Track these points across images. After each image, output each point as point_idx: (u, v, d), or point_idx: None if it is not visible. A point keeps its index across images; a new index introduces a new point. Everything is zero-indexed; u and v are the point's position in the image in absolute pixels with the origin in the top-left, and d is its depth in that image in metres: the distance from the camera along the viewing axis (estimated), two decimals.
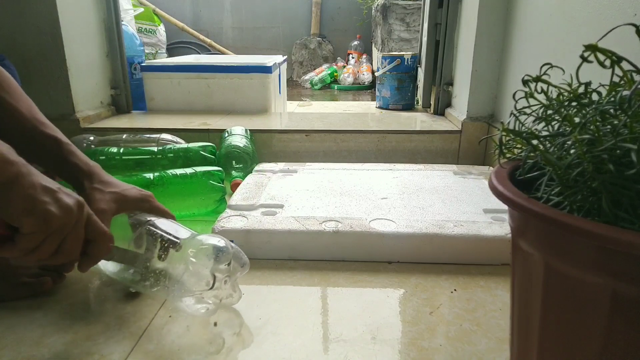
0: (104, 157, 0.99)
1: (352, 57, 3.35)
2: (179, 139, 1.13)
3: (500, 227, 0.71)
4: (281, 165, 1.03)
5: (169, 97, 1.49)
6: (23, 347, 0.51)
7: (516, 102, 0.37)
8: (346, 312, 0.58)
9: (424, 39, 1.46)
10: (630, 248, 0.28)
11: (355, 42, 3.45)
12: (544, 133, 0.37)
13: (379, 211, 0.77)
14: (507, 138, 0.38)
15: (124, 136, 1.12)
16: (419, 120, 1.37)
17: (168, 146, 1.04)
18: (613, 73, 0.33)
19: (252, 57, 1.95)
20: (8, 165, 0.42)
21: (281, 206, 0.80)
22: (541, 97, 0.38)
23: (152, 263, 0.56)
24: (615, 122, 0.32)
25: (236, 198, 0.82)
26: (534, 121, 0.38)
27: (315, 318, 0.57)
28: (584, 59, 0.31)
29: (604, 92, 0.35)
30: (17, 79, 0.95)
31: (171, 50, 3.29)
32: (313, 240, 0.70)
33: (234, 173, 1.01)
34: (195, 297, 0.53)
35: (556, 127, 0.37)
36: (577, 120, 0.34)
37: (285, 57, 1.88)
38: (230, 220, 0.74)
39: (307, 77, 3.20)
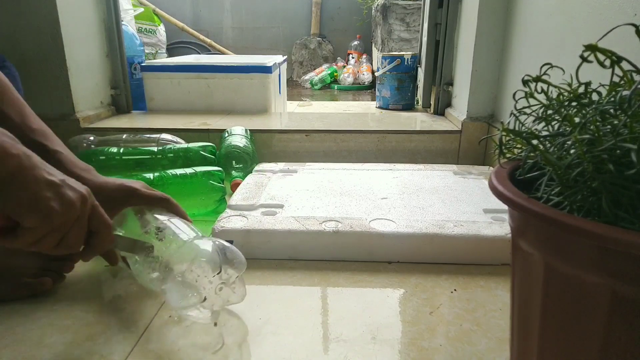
0: (104, 157, 0.99)
1: (352, 57, 3.35)
2: (179, 139, 1.13)
3: (500, 227, 0.71)
4: (281, 165, 1.03)
5: (169, 97, 1.49)
6: (23, 347, 0.51)
7: (516, 102, 0.37)
8: (346, 312, 0.58)
9: (424, 39, 1.46)
10: (630, 248, 0.28)
11: (355, 42, 3.45)
12: (544, 133, 0.37)
13: (379, 211, 0.77)
14: (507, 138, 0.38)
15: (124, 136, 1.12)
16: (419, 120, 1.37)
17: (168, 146, 1.04)
18: (613, 73, 0.33)
19: (252, 57, 1.95)
20: (10, 158, 0.41)
21: (281, 206, 0.80)
22: (541, 97, 0.38)
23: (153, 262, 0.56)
24: (615, 122, 0.32)
25: (236, 198, 0.82)
26: (534, 121, 0.38)
27: (315, 318, 0.57)
28: (584, 59, 0.31)
29: (604, 92, 0.35)
30: (17, 79, 0.95)
31: (171, 50, 3.29)
32: (313, 240, 0.70)
33: (234, 173, 1.02)
34: (188, 286, 0.52)
35: (556, 127, 0.37)
36: (577, 120, 0.34)
37: (285, 57, 1.88)
38: (230, 220, 0.74)
39: (307, 77, 3.20)
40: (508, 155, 0.40)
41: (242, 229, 0.71)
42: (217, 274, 0.52)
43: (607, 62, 0.32)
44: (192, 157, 1.01)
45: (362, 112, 1.60)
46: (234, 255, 0.55)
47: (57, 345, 0.52)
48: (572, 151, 0.33)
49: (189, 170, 0.88)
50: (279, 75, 1.68)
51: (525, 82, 0.37)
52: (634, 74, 0.33)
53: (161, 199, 0.62)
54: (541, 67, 0.37)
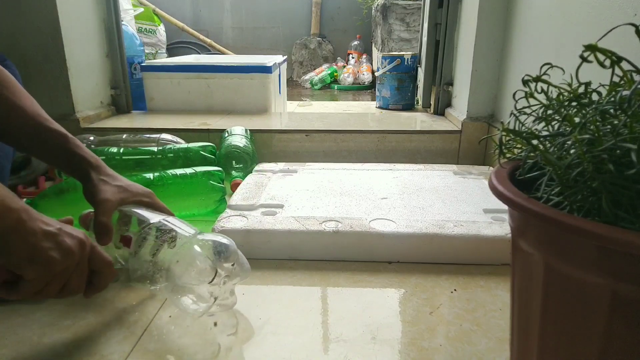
0: (104, 157, 0.99)
1: (352, 57, 3.35)
2: (179, 139, 1.13)
3: (500, 227, 0.71)
4: (281, 165, 1.03)
5: (169, 97, 1.49)
6: (23, 347, 0.51)
7: (516, 102, 0.37)
8: (346, 312, 0.58)
9: (424, 39, 1.46)
10: (630, 248, 0.28)
11: (355, 42, 3.45)
12: (544, 133, 0.37)
13: (379, 211, 0.77)
14: (507, 138, 0.38)
15: (124, 136, 1.12)
16: (419, 120, 1.37)
17: (168, 146, 1.04)
18: (613, 73, 0.33)
19: (252, 57, 1.95)
20: (8, 212, 0.41)
21: (281, 206, 0.80)
22: (541, 97, 0.38)
23: (158, 257, 0.56)
24: (615, 122, 0.32)
25: (236, 198, 0.82)
26: (534, 121, 0.38)
27: (315, 318, 0.57)
28: (584, 59, 0.31)
29: (604, 92, 0.35)
30: (18, 78, 0.95)
31: (171, 50, 3.29)
32: (313, 240, 0.70)
33: (234, 173, 1.02)
34: (192, 293, 0.53)
35: (556, 127, 0.37)
36: (577, 120, 0.34)
37: (285, 57, 1.88)
38: (230, 220, 0.74)
39: (307, 77, 3.20)
40: (508, 155, 0.40)
41: (242, 229, 0.71)
42: (232, 265, 0.54)
43: (607, 62, 0.32)
44: (192, 157, 1.01)
45: (362, 112, 1.60)
46: (243, 259, 0.57)
47: (57, 345, 0.52)
48: (572, 151, 0.33)
49: (188, 170, 0.88)
50: (279, 75, 1.68)
51: (525, 82, 0.37)
52: (634, 74, 0.33)
53: (144, 194, 0.63)
54: (541, 67, 0.37)
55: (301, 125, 1.29)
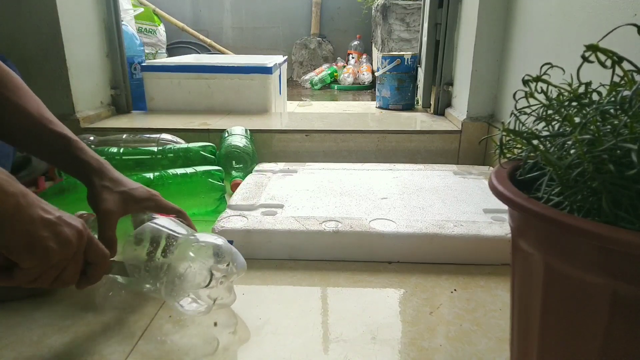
0: (104, 157, 0.99)
1: (352, 57, 3.35)
2: (179, 139, 1.13)
3: (500, 227, 0.71)
4: (281, 165, 1.03)
5: (169, 97, 1.49)
6: (23, 347, 0.51)
7: (516, 102, 0.37)
8: (346, 312, 0.58)
9: (424, 39, 1.46)
10: (630, 248, 0.28)
11: (355, 42, 3.45)
12: (544, 133, 0.37)
13: (379, 211, 0.77)
14: (508, 138, 0.38)
15: (124, 136, 1.12)
16: (419, 120, 1.37)
17: (168, 146, 1.04)
18: (614, 73, 0.33)
19: (252, 57, 1.95)
20: (6, 197, 0.40)
21: (281, 206, 0.80)
22: (541, 97, 0.38)
23: (152, 262, 0.56)
24: (616, 122, 0.32)
25: (236, 198, 0.82)
26: (534, 121, 0.38)
27: (315, 318, 0.57)
28: (585, 59, 0.31)
29: (604, 92, 0.35)
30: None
31: (171, 50, 3.29)
32: (313, 240, 0.70)
33: (234, 173, 1.01)
34: (190, 296, 0.53)
35: (556, 127, 0.37)
36: (577, 120, 0.34)
37: (285, 57, 1.87)
38: (230, 220, 0.74)
39: (307, 77, 3.20)
40: (508, 155, 0.40)
41: (242, 229, 0.71)
42: (227, 265, 0.54)
43: (608, 62, 0.32)
44: (192, 157, 1.01)
45: (362, 112, 1.60)
46: (238, 256, 0.56)
47: (57, 345, 0.52)
48: (572, 151, 0.33)
49: (189, 170, 0.88)
50: (279, 75, 1.68)
51: (525, 82, 0.37)
52: (634, 74, 0.33)
53: (176, 212, 0.62)
54: (541, 67, 0.37)
55: (301, 125, 1.29)
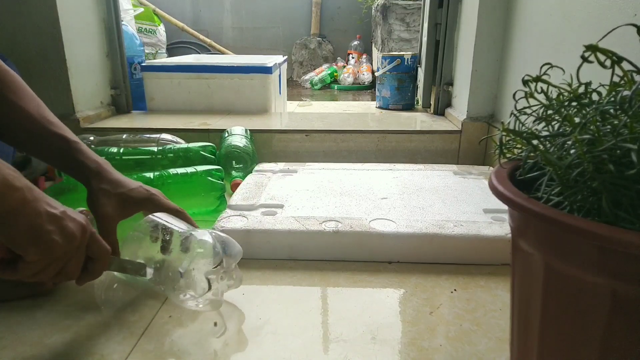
0: (103, 157, 0.99)
1: (352, 57, 3.35)
2: (179, 139, 1.13)
3: (500, 227, 0.71)
4: (281, 165, 1.03)
5: (169, 97, 1.49)
6: (23, 347, 0.51)
7: (516, 102, 0.37)
8: (346, 312, 0.58)
9: (424, 39, 1.46)
10: (630, 248, 0.28)
11: (355, 42, 3.45)
12: (544, 133, 0.37)
13: (379, 211, 0.77)
14: (507, 138, 0.38)
15: (124, 136, 1.12)
16: (419, 120, 1.37)
17: (168, 146, 1.04)
18: (613, 73, 0.33)
19: (252, 57, 1.95)
20: (13, 192, 0.41)
21: (281, 206, 0.80)
22: (541, 97, 0.38)
23: (153, 260, 0.57)
24: (616, 122, 0.32)
25: (236, 198, 0.82)
26: (534, 121, 0.38)
27: (315, 318, 0.57)
28: (585, 59, 0.31)
29: (604, 92, 0.35)
30: None
31: (171, 50, 3.28)
32: (313, 240, 0.70)
33: (234, 173, 1.01)
34: (190, 279, 0.54)
35: (556, 127, 0.37)
36: (577, 120, 0.34)
37: (285, 57, 1.87)
38: (230, 220, 0.74)
39: (307, 77, 3.20)
40: (508, 155, 0.40)
41: (242, 229, 0.71)
42: (219, 265, 0.54)
43: (608, 62, 0.32)
44: (192, 157, 1.01)
45: (362, 112, 1.60)
46: (229, 244, 0.57)
47: (57, 345, 0.52)
48: (572, 151, 0.33)
49: (189, 169, 0.88)
50: (279, 75, 1.68)
51: (525, 82, 0.37)
52: (634, 74, 0.33)
53: (176, 212, 0.62)
54: (541, 67, 0.37)
55: (301, 125, 1.29)
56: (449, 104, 1.40)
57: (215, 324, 0.55)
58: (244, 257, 0.70)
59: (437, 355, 0.50)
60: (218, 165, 1.01)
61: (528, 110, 0.38)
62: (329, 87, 3.11)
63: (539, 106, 0.38)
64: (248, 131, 1.17)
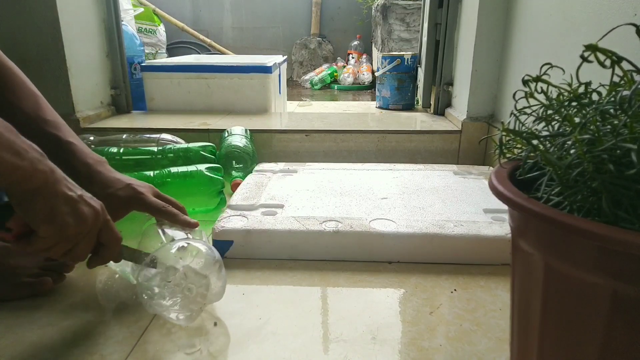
0: (103, 157, 0.99)
1: (352, 57, 3.35)
2: (179, 139, 1.13)
3: (500, 227, 0.71)
4: (281, 165, 1.03)
5: (169, 97, 1.49)
6: (23, 347, 0.51)
7: (516, 102, 0.37)
8: (346, 312, 0.58)
9: (424, 39, 1.46)
10: (630, 248, 0.28)
11: (355, 42, 3.45)
12: (544, 133, 0.37)
13: (379, 211, 0.77)
14: (507, 138, 0.38)
15: (124, 136, 1.12)
16: (419, 120, 1.37)
17: (168, 146, 1.04)
18: (613, 73, 0.33)
19: (252, 57, 1.95)
20: (38, 174, 0.44)
21: (281, 206, 0.80)
22: (541, 97, 0.38)
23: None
24: (616, 122, 0.32)
25: (236, 198, 0.82)
26: (534, 121, 0.38)
27: (315, 318, 0.57)
28: (584, 59, 0.31)
29: (604, 92, 0.35)
30: None
31: (171, 50, 3.29)
32: (313, 240, 0.70)
33: (234, 173, 1.01)
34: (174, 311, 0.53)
35: (556, 127, 0.37)
36: (577, 120, 0.34)
37: (285, 57, 1.87)
38: (230, 220, 0.74)
39: (307, 77, 3.20)
40: (508, 155, 0.40)
41: (242, 229, 0.71)
42: (168, 281, 0.53)
43: (608, 62, 0.32)
44: (192, 157, 1.01)
45: (362, 112, 1.60)
46: (209, 255, 0.55)
47: (57, 345, 0.52)
48: (572, 151, 0.33)
49: (189, 167, 0.89)
50: (279, 75, 1.68)
51: (525, 82, 0.37)
52: (634, 74, 0.33)
53: (162, 211, 0.62)
54: (541, 67, 0.37)
55: (301, 125, 1.29)
56: (449, 104, 1.40)
57: (215, 324, 0.55)
58: (244, 257, 0.71)
59: (437, 355, 0.50)
60: (218, 164, 1.01)
61: (528, 110, 0.38)
62: (329, 87, 3.11)
63: (539, 106, 0.38)
64: (248, 131, 1.17)
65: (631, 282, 0.29)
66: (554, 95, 0.37)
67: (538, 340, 0.37)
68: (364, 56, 3.35)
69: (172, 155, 1.01)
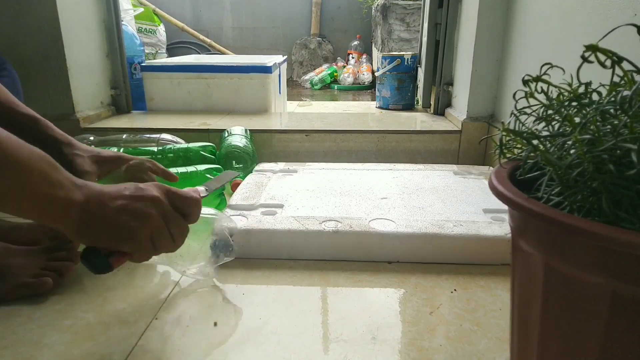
0: None
1: (352, 57, 3.35)
2: (179, 139, 1.13)
3: (500, 227, 0.71)
4: (281, 165, 1.03)
5: (169, 97, 1.49)
6: (23, 347, 0.51)
7: (516, 102, 0.37)
8: (346, 312, 0.58)
9: (424, 39, 1.46)
10: (630, 248, 0.28)
11: (355, 42, 3.45)
12: (544, 133, 0.37)
13: (378, 211, 0.77)
14: (508, 138, 0.38)
15: (124, 136, 1.12)
16: (419, 120, 1.37)
17: (168, 146, 1.04)
18: (613, 73, 0.33)
19: (252, 57, 1.95)
20: (73, 208, 0.44)
21: (281, 206, 0.80)
22: (541, 97, 0.38)
23: None
24: (616, 122, 0.32)
25: (236, 198, 0.82)
26: (534, 121, 0.38)
27: (315, 318, 0.57)
28: (585, 59, 0.31)
29: (604, 92, 0.35)
30: (17, 81, 0.95)
31: (171, 50, 3.28)
32: (313, 240, 0.70)
33: None
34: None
35: (556, 127, 0.37)
36: (577, 120, 0.34)
37: (285, 57, 1.87)
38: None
39: (307, 77, 3.20)
40: (508, 155, 0.40)
41: (242, 229, 0.71)
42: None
43: (608, 62, 0.32)
44: (192, 157, 1.01)
45: (362, 112, 1.60)
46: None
47: (57, 345, 0.52)
48: (572, 151, 0.33)
49: (189, 168, 0.88)
50: (279, 75, 1.68)
51: (525, 82, 0.37)
52: (634, 74, 0.33)
53: (118, 158, 0.70)
54: (541, 67, 0.37)
55: (301, 125, 1.29)
56: (449, 104, 1.40)
57: (215, 324, 0.55)
58: (244, 257, 0.71)
59: (437, 355, 0.50)
60: (218, 165, 1.01)
61: (528, 110, 0.38)
62: (329, 87, 3.11)
63: (539, 106, 0.38)
64: (248, 131, 1.17)
65: (631, 282, 0.29)
66: (554, 95, 0.37)
67: (538, 340, 0.37)
68: (364, 56, 3.35)
69: (172, 155, 1.01)
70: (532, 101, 0.38)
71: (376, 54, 3.00)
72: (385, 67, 1.55)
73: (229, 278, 0.66)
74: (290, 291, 0.63)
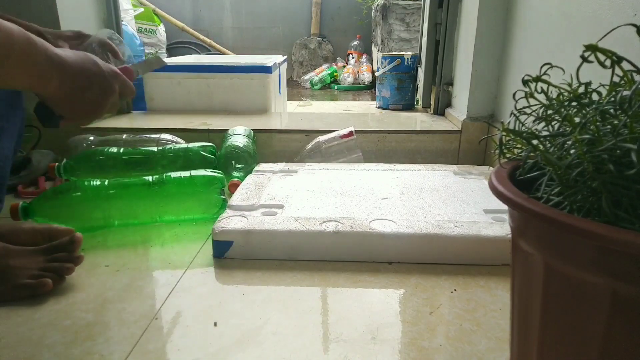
0: (103, 157, 0.99)
1: (352, 57, 3.35)
2: (179, 139, 1.13)
3: (500, 227, 0.71)
4: (281, 165, 1.03)
5: (169, 97, 1.49)
6: (23, 347, 0.51)
7: (516, 102, 0.37)
8: (346, 312, 0.58)
9: (424, 39, 1.46)
10: (630, 248, 0.28)
11: (355, 42, 3.45)
12: (544, 133, 0.37)
13: (379, 211, 0.77)
14: (507, 138, 0.38)
15: (124, 136, 1.12)
16: (419, 120, 1.37)
17: (168, 146, 1.04)
18: (613, 73, 0.33)
19: (252, 57, 1.95)
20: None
21: (281, 206, 0.80)
22: (541, 97, 0.38)
23: None
24: (616, 122, 0.32)
25: (236, 198, 0.82)
26: (534, 121, 0.38)
27: (315, 318, 0.57)
28: (584, 59, 0.31)
29: (604, 92, 0.35)
30: None
31: (171, 50, 3.29)
32: (313, 240, 0.70)
33: (234, 173, 1.01)
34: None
35: (556, 127, 0.37)
36: (577, 120, 0.34)
37: (285, 57, 1.87)
38: (231, 220, 0.74)
39: (307, 77, 3.19)
40: (508, 155, 0.40)
41: (242, 229, 0.71)
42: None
43: (608, 62, 0.32)
44: (192, 157, 1.01)
45: (362, 112, 1.60)
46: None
47: (57, 345, 0.52)
48: (572, 151, 0.33)
49: (189, 173, 0.86)
50: (279, 75, 1.68)
51: (525, 82, 0.37)
52: (634, 74, 0.33)
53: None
54: (541, 67, 0.37)
55: (301, 125, 1.29)
56: (449, 104, 1.40)
57: (215, 324, 0.55)
58: (244, 258, 0.71)
59: (437, 355, 0.50)
60: (218, 164, 1.01)
61: (528, 110, 0.38)
62: (329, 87, 3.11)
63: (539, 106, 0.38)
64: (250, 131, 1.17)
65: (631, 282, 0.29)
66: (554, 95, 0.37)
67: (538, 340, 0.37)
68: (364, 56, 3.35)
69: (172, 155, 1.01)
70: (532, 101, 0.38)
71: (376, 54, 3.00)
72: (385, 67, 1.55)
73: (229, 278, 0.66)
74: (291, 291, 0.63)
